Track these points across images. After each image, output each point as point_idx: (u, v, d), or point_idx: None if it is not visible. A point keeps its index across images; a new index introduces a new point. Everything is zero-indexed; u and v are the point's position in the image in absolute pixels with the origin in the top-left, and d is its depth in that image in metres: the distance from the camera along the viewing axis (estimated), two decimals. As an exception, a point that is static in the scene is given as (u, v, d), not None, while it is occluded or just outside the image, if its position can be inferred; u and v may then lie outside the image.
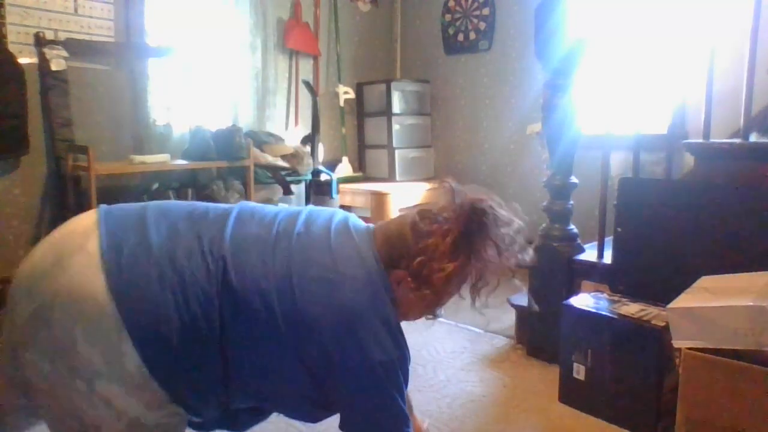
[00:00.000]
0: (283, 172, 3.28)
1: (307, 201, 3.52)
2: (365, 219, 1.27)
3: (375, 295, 1.07)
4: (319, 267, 1.06)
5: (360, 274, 1.07)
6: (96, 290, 0.97)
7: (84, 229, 1.05)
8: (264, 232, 1.11)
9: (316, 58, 3.89)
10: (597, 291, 2.09)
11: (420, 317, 1.23)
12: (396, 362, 1.06)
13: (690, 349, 1.47)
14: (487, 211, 1.12)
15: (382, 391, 1.06)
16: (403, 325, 1.15)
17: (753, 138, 2.08)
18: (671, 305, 1.53)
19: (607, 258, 2.18)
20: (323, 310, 1.03)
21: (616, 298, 1.98)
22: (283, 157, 3.32)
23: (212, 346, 1.01)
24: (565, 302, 1.98)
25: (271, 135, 3.46)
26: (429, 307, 1.20)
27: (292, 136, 3.73)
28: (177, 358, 1.00)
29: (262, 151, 3.25)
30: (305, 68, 3.84)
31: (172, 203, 1.18)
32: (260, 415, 1.30)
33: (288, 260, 1.06)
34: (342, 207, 3.41)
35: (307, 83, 3.57)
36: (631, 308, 1.87)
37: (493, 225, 1.12)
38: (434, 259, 1.09)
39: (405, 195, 3.66)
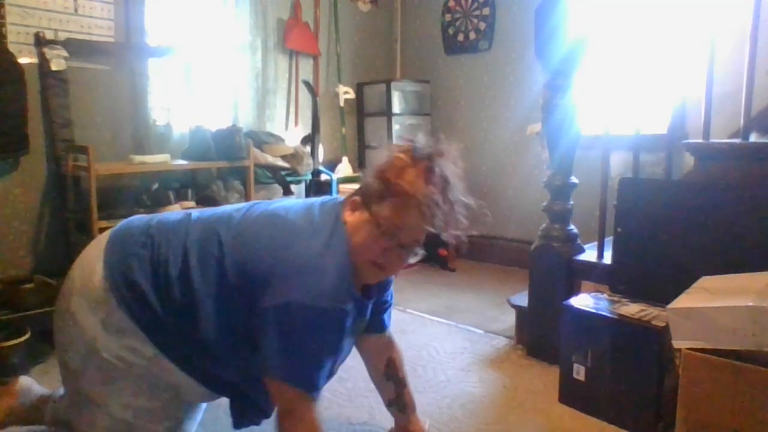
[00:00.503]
0: (283, 172, 3.28)
1: (307, 201, 3.51)
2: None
3: (325, 244, 1.17)
4: (273, 225, 1.23)
5: (309, 226, 1.21)
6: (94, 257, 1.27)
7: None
8: (235, 209, 1.31)
9: (316, 58, 3.89)
10: (597, 291, 2.09)
11: (375, 262, 1.22)
12: (327, 311, 1.12)
13: (690, 349, 1.47)
14: (437, 165, 1.20)
15: (300, 332, 1.12)
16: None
17: (753, 138, 2.08)
18: (671, 305, 1.53)
19: (607, 258, 2.18)
20: (268, 254, 1.17)
21: (616, 299, 1.98)
22: (283, 157, 3.32)
23: (177, 288, 1.19)
24: (565, 302, 1.98)
25: (271, 135, 3.46)
26: (377, 242, 1.20)
27: (292, 136, 3.73)
28: (147, 295, 1.20)
29: (262, 151, 3.25)
30: (305, 68, 3.84)
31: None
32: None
33: (248, 224, 1.25)
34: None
35: (307, 83, 3.57)
36: (631, 308, 1.87)
37: (441, 179, 1.20)
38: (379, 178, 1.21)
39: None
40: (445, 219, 1.20)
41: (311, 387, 1.16)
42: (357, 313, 1.26)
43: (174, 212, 1.34)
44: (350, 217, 1.23)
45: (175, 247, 1.22)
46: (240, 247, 1.19)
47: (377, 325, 1.53)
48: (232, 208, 1.33)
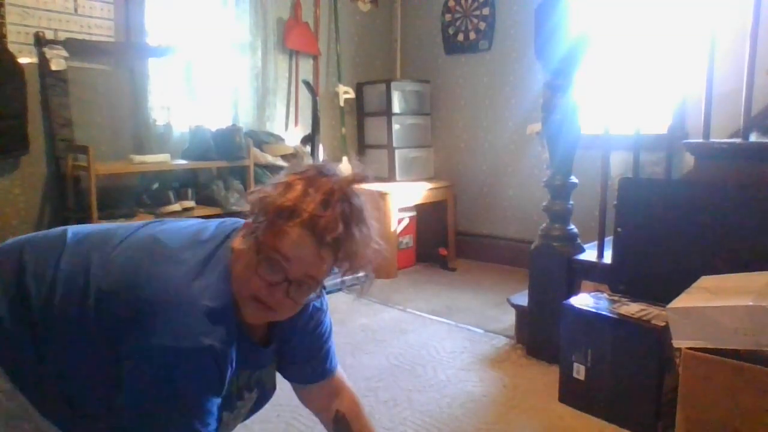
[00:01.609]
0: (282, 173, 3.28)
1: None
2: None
3: (196, 272, 0.97)
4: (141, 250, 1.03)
5: (186, 252, 1.01)
6: None
7: None
8: (123, 229, 1.11)
9: (316, 58, 3.89)
10: (597, 291, 2.09)
11: (257, 297, 0.97)
12: (191, 352, 0.91)
13: (690, 349, 1.47)
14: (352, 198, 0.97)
15: (166, 380, 0.91)
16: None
17: (753, 138, 2.08)
18: (671, 305, 1.53)
19: (607, 258, 2.18)
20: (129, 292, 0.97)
21: (616, 298, 1.98)
22: (283, 157, 3.32)
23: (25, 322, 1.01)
24: (565, 302, 1.98)
25: (271, 135, 3.46)
26: (259, 273, 0.95)
27: (292, 136, 3.73)
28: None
29: (262, 151, 3.26)
30: (305, 68, 3.84)
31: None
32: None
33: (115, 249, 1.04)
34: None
35: (307, 83, 3.57)
36: (631, 308, 1.87)
37: (346, 204, 0.96)
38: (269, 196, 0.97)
39: (405, 195, 3.66)
40: (340, 251, 0.96)
41: None
42: (246, 360, 1.03)
43: (52, 230, 1.14)
44: (239, 243, 1.00)
45: (40, 277, 1.02)
46: (106, 280, 0.99)
47: (312, 373, 1.24)
48: (121, 227, 1.13)
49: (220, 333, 0.94)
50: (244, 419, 1.19)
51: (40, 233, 1.16)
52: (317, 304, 1.18)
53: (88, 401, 1.03)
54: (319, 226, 0.92)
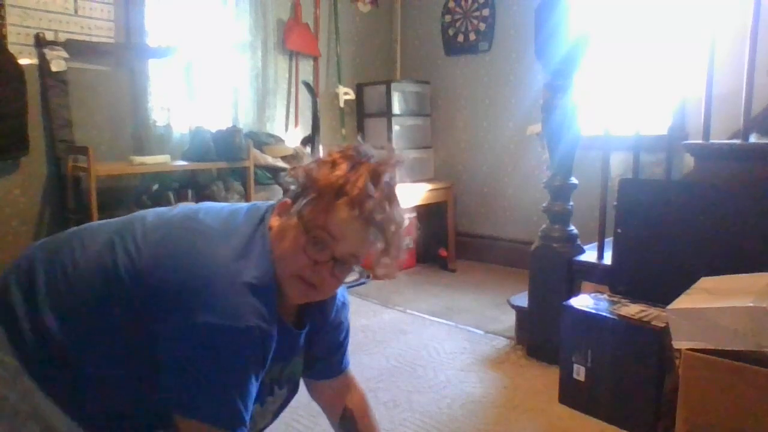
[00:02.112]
0: (283, 173, 3.28)
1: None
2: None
3: (239, 252, 0.95)
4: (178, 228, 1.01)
5: (224, 231, 0.99)
6: None
7: None
8: (154, 212, 1.09)
9: (316, 59, 3.89)
10: (597, 292, 2.09)
11: (302, 277, 0.97)
12: (237, 331, 0.90)
13: (690, 349, 1.46)
14: (383, 174, 0.98)
15: (211, 358, 0.89)
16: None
17: (753, 138, 2.08)
18: (671, 306, 1.53)
19: (607, 259, 2.18)
20: (167, 271, 0.94)
21: (616, 299, 1.98)
22: (283, 158, 3.32)
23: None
24: (565, 303, 1.98)
25: (271, 136, 3.46)
26: (306, 252, 0.95)
27: (292, 137, 3.73)
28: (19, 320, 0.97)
29: (262, 152, 3.25)
30: (305, 69, 3.84)
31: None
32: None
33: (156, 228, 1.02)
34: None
35: (307, 84, 3.57)
36: (631, 309, 1.86)
37: (388, 186, 0.99)
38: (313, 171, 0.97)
39: (405, 195, 3.64)
40: (386, 231, 0.97)
41: (236, 423, 0.91)
42: (282, 342, 1.01)
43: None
44: (277, 221, 1.00)
45: (59, 264, 1.00)
46: (141, 258, 0.96)
47: (328, 368, 1.25)
48: (140, 213, 1.10)
49: (264, 312, 0.93)
50: (268, 423, 1.16)
51: (50, 237, 1.14)
52: (343, 298, 1.20)
53: (114, 395, 0.99)
54: (368, 205, 0.93)
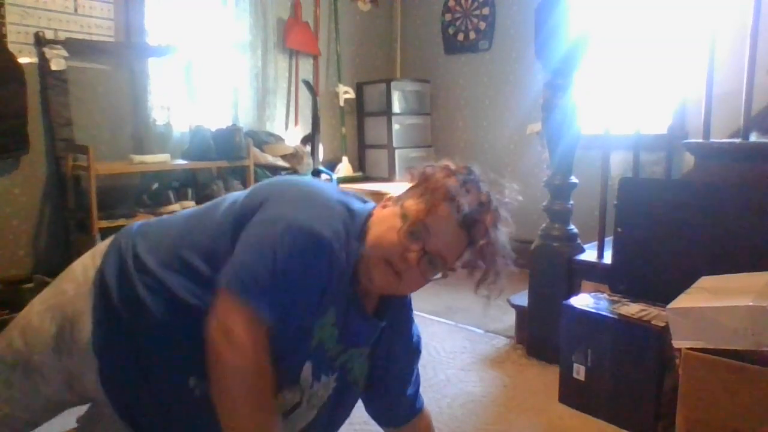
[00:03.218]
0: (283, 172, 3.28)
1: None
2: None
3: (342, 211, 1.01)
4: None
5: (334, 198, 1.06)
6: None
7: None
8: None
9: (316, 58, 3.89)
10: (597, 291, 2.09)
11: (390, 262, 0.99)
12: (320, 240, 0.93)
13: (690, 349, 1.46)
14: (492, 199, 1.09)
15: (279, 249, 0.91)
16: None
17: (753, 138, 2.08)
18: (671, 305, 1.53)
19: (607, 258, 2.18)
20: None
21: (616, 299, 1.98)
22: (283, 157, 3.32)
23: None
24: (565, 302, 1.98)
25: (271, 135, 3.46)
26: (399, 238, 0.99)
27: (292, 136, 3.73)
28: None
29: (262, 150, 3.25)
30: (305, 68, 3.84)
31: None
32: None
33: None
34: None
35: (307, 83, 3.57)
36: (631, 308, 1.86)
37: (494, 212, 1.09)
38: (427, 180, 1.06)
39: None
40: (481, 234, 1.04)
41: (263, 307, 0.89)
42: (352, 323, 1.04)
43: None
44: (380, 211, 1.06)
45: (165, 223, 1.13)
46: (247, 200, 1.03)
47: (401, 408, 1.23)
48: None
49: (343, 241, 0.97)
50: (309, 419, 1.08)
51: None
52: (419, 334, 1.23)
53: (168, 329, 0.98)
54: (468, 213, 1.00)
